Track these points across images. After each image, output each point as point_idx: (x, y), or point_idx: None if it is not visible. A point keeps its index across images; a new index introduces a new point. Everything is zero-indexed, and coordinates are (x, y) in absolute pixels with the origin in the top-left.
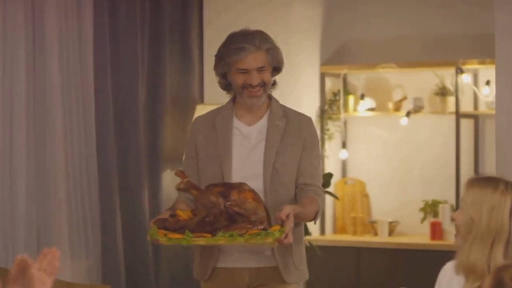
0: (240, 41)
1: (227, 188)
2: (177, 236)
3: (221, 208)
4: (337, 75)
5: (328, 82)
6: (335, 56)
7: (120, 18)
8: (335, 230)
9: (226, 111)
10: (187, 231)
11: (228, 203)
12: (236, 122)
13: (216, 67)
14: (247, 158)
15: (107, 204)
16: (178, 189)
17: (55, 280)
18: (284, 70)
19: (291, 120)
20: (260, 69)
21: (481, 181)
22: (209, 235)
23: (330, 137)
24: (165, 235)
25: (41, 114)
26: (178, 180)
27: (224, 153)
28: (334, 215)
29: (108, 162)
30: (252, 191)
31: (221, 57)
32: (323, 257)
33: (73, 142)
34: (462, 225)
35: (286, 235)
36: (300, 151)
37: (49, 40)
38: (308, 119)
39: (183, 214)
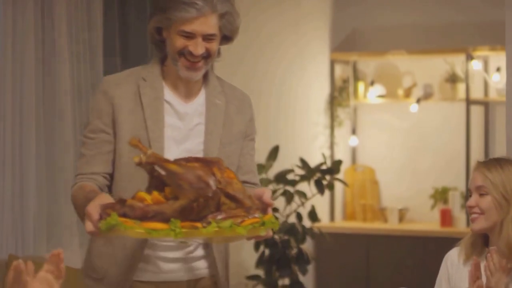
0: None
1: (206, 164)
2: (158, 226)
3: (215, 189)
4: (347, 62)
5: (338, 69)
6: (345, 43)
7: (129, 15)
8: (345, 217)
9: (153, 77)
10: (172, 219)
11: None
12: (169, 95)
13: (152, 18)
14: (182, 147)
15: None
16: (139, 164)
17: (66, 267)
18: (294, 56)
19: (231, 99)
20: (208, 37)
21: (497, 162)
22: (199, 224)
23: (340, 124)
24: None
25: (50, 108)
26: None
27: (156, 137)
28: (344, 202)
29: None
30: (231, 170)
31: (163, 8)
32: (332, 244)
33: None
34: (492, 207)
35: None
36: (243, 140)
37: (59, 39)
38: (249, 99)
39: (147, 197)
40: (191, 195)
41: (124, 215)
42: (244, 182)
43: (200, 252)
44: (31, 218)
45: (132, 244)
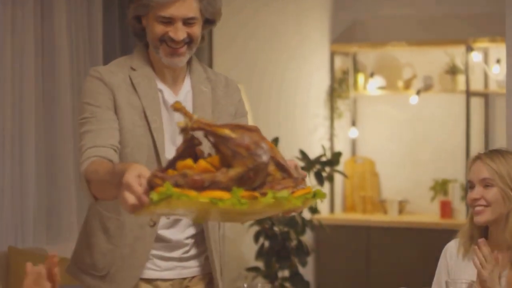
0: None
1: (249, 131)
2: (221, 195)
3: (269, 158)
4: (346, 54)
5: (338, 60)
6: (345, 34)
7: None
8: (345, 209)
9: (142, 66)
10: (234, 188)
11: None
12: (160, 84)
13: (130, 6)
14: (176, 134)
15: None
16: (184, 129)
17: (65, 259)
18: (294, 48)
19: (216, 85)
20: (188, 21)
21: (499, 153)
22: (257, 194)
23: (340, 116)
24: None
25: (50, 107)
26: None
27: (157, 127)
28: (344, 193)
29: None
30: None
31: None
32: (332, 235)
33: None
34: (499, 198)
35: None
36: (234, 119)
37: (59, 39)
38: (235, 83)
39: (194, 166)
40: (249, 162)
41: (176, 185)
42: None
43: (194, 251)
44: (31, 210)
45: (141, 242)
